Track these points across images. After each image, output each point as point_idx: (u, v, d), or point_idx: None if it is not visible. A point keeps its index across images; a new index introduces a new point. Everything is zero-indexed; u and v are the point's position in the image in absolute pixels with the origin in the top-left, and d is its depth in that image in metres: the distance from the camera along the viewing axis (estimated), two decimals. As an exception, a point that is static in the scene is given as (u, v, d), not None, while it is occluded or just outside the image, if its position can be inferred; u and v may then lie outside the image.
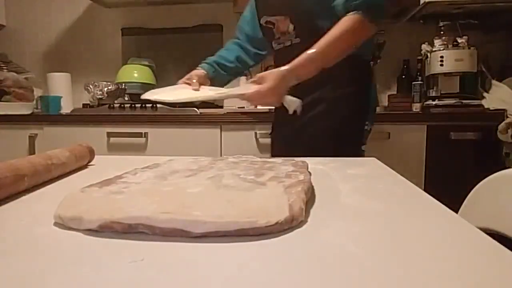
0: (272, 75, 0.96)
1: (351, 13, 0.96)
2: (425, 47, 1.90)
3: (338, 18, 0.97)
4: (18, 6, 2.48)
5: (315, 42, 0.97)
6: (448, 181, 1.62)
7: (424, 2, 1.79)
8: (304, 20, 1.06)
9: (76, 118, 1.82)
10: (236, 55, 1.29)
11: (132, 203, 0.38)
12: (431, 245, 0.31)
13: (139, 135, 1.75)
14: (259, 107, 1.65)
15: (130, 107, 1.83)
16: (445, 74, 1.84)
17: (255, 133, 1.67)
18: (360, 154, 1.12)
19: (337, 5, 0.98)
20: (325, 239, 0.32)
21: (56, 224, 0.36)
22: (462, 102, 1.77)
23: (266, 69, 1.82)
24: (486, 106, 1.73)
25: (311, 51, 0.96)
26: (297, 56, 0.98)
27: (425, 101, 1.89)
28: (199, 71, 1.22)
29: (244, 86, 1.13)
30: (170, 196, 0.40)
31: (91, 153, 0.72)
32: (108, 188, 0.44)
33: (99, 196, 0.41)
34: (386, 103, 2.09)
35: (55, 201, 0.38)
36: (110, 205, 0.38)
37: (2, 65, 2.24)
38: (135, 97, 2.02)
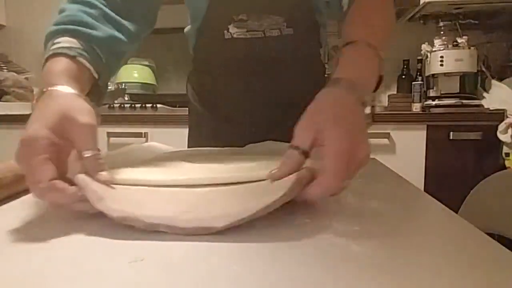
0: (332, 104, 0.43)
1: None
2: (425, 47, 1.90)
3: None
4: (18, 6, 2.48)
5: (311, 34, 0.81)
6: (448, 181, 1.62)
7: (424, 2, 1.79)
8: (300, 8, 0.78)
9: (76, 118, 1.81)
10: (108, 32, 0.60)
11: (150, 200, 0.37)
12: (431, 245, 0.31)
13: (139, 135, 1.75)
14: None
15: (130, 107, 1.83)
16: (445, 74, 1.84)
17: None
18: None
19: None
20: (326, 239, 0.32)
21: (56, 224, 0.36)
22: (462, 102, 1.77)
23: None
24: (486, 106, 1.73)
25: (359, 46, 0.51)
26: (291, 52, 0.79)
27: (425, 101, 1.89)
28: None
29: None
30: (184, 195, 0.40)
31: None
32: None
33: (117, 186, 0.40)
34: (386, 103, 2.09)
35: (55, 201, 0.38)
36: (130, 197, 0.37)
37: (2, 65, 2.24)
38: (135, 97, 2.03)
